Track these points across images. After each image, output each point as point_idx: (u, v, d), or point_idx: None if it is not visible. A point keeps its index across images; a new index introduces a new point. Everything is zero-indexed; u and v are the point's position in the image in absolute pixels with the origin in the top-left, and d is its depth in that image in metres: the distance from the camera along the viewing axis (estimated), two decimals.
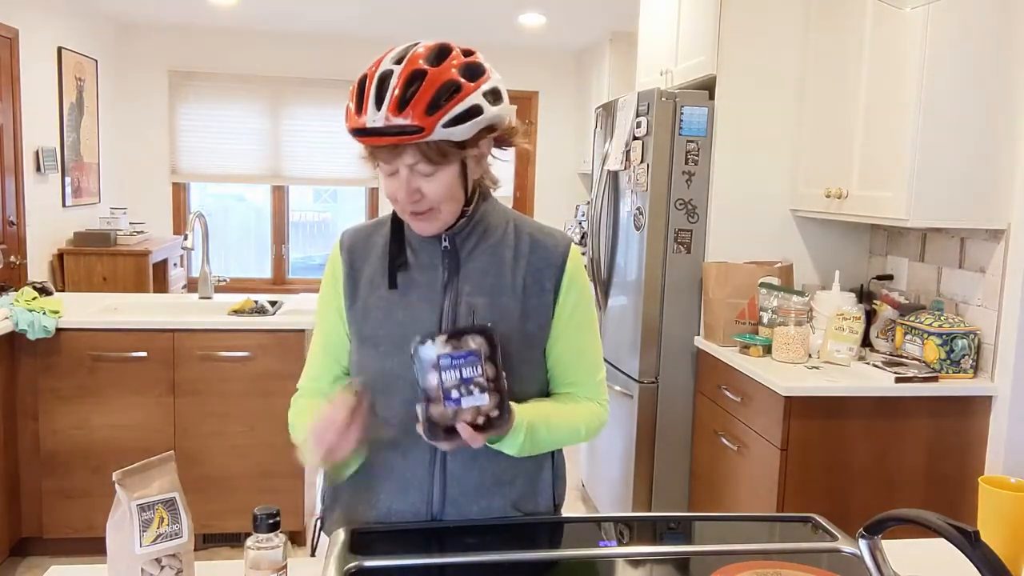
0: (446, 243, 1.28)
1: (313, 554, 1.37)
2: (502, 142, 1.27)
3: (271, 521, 1.02)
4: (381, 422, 1.28)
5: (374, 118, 1.13)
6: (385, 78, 1.13)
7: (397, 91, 1.12)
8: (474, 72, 1.17)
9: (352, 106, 1.16)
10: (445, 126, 1.13)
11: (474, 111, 1.15)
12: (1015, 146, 2.35)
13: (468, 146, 1.19)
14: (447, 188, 1.20)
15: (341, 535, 1.21)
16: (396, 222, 1.31)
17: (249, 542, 1.02)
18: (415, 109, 1.12)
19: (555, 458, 1.39)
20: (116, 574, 1.10)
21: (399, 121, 1.12)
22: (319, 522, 1.42)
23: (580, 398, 1.35)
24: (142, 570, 1.08)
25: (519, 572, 1.17)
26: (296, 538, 3.22)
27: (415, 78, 1.12)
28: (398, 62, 1.15)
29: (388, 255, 1.29)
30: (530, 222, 1.35)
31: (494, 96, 1.18)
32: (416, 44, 1.18)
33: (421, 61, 1.14)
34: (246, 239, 6.85)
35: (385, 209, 6.89)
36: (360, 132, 1.15)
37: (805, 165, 2.92)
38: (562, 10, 5.22)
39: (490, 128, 1.20)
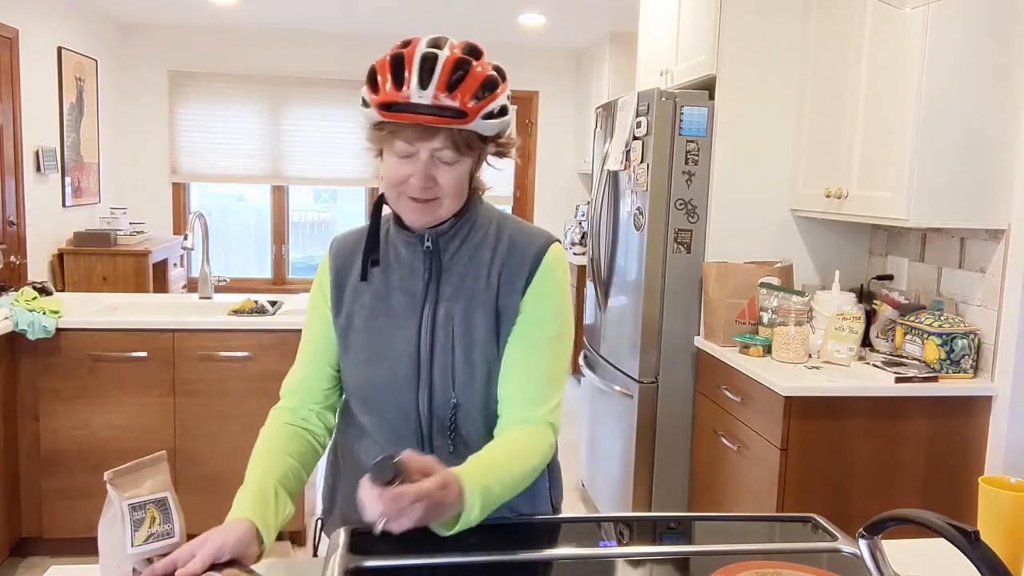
0: (428, 243, 1.25)
1: (315, 554, 1.37)
2: (502, 152, 1.27)
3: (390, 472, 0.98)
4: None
5: (420, 94, 1.12)
6: (429, 59, 1.13)
7: (445, 73, 1.12)
8: (502, 75, 1.19)
9: (386, 80, 1.14)
10: (483, 118, 1.15)
11: (503, 111, 1.19)
12: (1015, 146, 2.35)
13: (487, 143, 1.21)
14: (459, 181, 1.20)
15: (341, 535, 1.21)
16: (375, 219, 1.29)
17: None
18: (464, 94, 1.13)
19: (550, 462, 1.37)
20: (108, 574, 1.09)
21: (448, 102, 1.12)
22: (319, 523, 1.42)
23: (515, 426, 1.23)
24: (134, 570, 1.08)
25: (519, 572, 1.17)
26: (296, 538, 3.22)
27: (460, 66, 1.14)
28: (434, 46, 1.15)
29: (366, 244, 1.26)
30: (515, 223, 1.31)
31: (510, 103, 1.22)
32: (442, 36, 1.19)
33: (459, 51, 1.16)
34: (246, 239, 6.85)
35: (386, 210, 6.83)
36: (398, 106, 1.13)
37: (805, 165, 2.92)
38: (562, 10, 5.22)
39: (498, 134, 1.22)
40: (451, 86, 1.12)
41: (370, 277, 1.28)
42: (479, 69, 1.15)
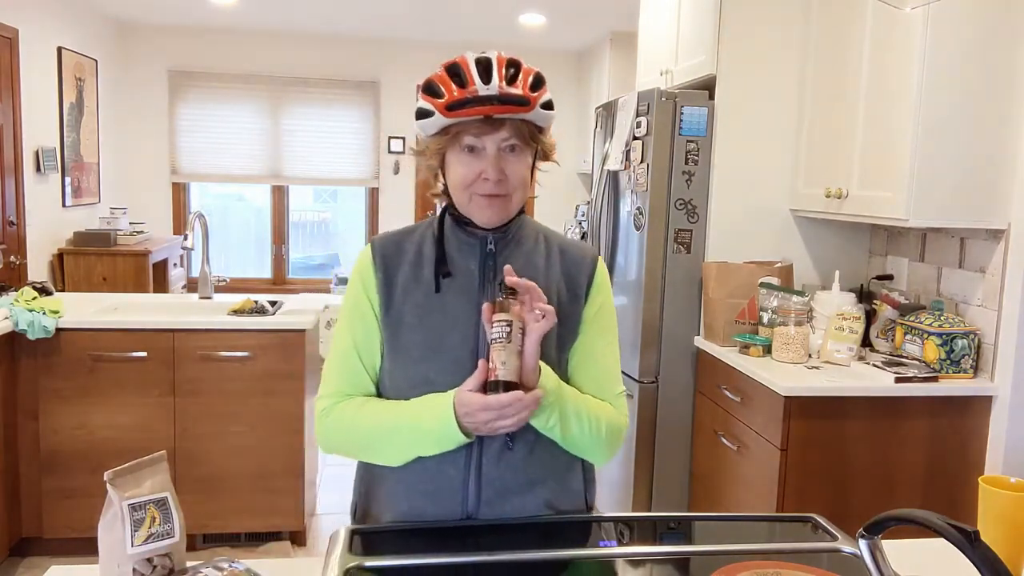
0: (491, 246, 1.31)
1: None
2: (546, 154, 1.34)
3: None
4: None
5: (486, 88, 1.20)
6: (483, 61, 1.22)
7: (502, 69, 1.21)
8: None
9: (448, 85, 1.21)
10: (542, 107, 1.24)
11: (552, 104, 1.28)
12: (1015, 146, 2.35)
13: (543, 137, 1.29)
14: (526, 174, 1.28)
15: (341, 535, 1.21)
16: (440, 231, 1.32)
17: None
18: (523, 84, 1.23)
19: (584, 461, 1.40)
20: (108, 574, 1.09)
21: (513, 91, 1.21)
22: (355, 510, 1.40)
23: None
24: (134, 570, 1.08)
25: (520, 572, 1.17)
26: (296, 538, 3.22)
27: (512, 63, 1.24)
28: (481, 55, 1.23)
29: (436, 257, 1.30)
30: (558, 235, 1.41)
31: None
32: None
33: (505, 55, 1.24)
34: (246, 239, 6.85)
35: (386, 210, 6.89)
36: (467, 102, 1.20)
37: (805, 165, 2.92)
38: (562, 10, 5.22)
39: (544, 132, 1.31)
40: (510, 79, 1.22)
41: (421, 277, 1.30)
42: (527, 66, 1.25)
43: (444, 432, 1.20)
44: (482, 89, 1.20)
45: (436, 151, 1.27)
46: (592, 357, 1.35)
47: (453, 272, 1.30)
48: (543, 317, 1.18)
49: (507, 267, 1.20)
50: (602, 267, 1.39)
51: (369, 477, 1.37)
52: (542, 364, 1.21)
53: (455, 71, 1.22)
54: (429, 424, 1.22)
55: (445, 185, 1.30)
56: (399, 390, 1.29)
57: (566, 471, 1.35)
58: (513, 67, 1.23)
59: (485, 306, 1.19)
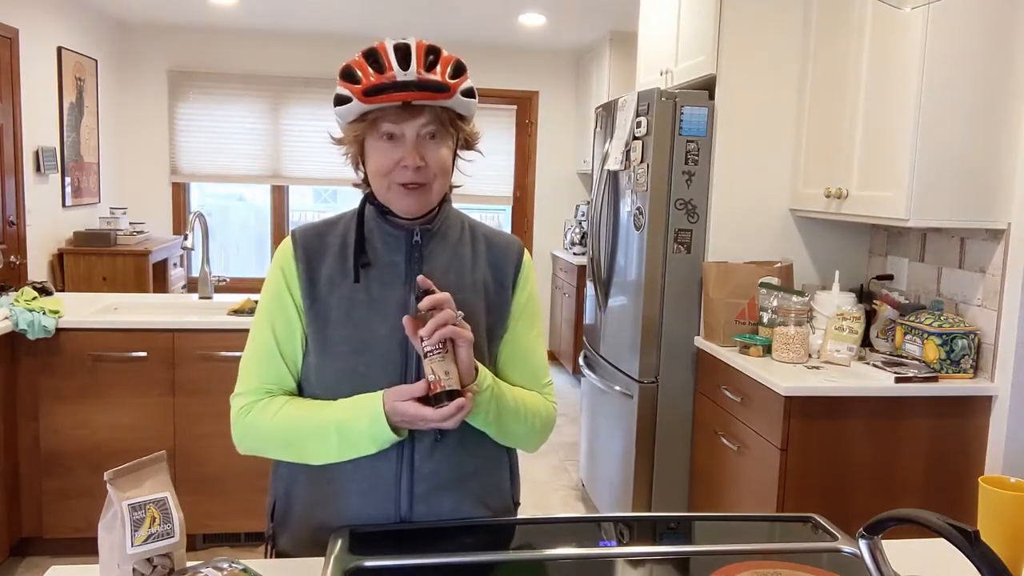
0: (417, 238, 1.28)
1: None
2: (468, 142, 1.32)
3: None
4: None
5: (404, 74, 1.17)
6: (402, 47, 1.19)
7: (421, 55, 1.19)
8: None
9: (366, 70, 1.19)
10: (462, 94, 1.22)
11: (473, 92, 1.27)
12: (1015, 146, 2.35)
13: (464, 125, 1.27)
14: (446, 160, 1.26)
15: (341, 535, 1.21)
16: (360, 220, 1.30)
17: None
18: (442, 70, 1.20)
19: (511, 456, 1.41)
20: (108, 574, 1.09)
21: (431, 78, 1.19)
22: (271, 541, 1.36)
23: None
24: (134, 570, 1.08)
25: (520, 572, 1.17)
26: None
27: (432, 50, 1.22)
28: (399, 44, 1.21)
29: (355, 247, 1.28)
30: (482, 225, 1.40)
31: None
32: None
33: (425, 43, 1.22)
34: (246, 239, 6.85)
35: None
36: (384, 87, 1.18)
37: (805, 165, 2.92)
38: (562, 10, 5.22)
39: (468, 121, 1.29)
40: (429, 65, 1.19)
41: (346, 269, 1.28)
42: (446, 54, 1.23)
43: (376, 433, 1.19)
44: (400, 75, 1.17)
45: (354, 138, 1.26)
46: (523, 351, 1.36)
47: (378, 264, 1.28)
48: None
49: (420, 277, 1.18)
50: (527, 257, 1.38)
51: (291, 476, 1.33)
52: (477, 363, 1.21)
53: (373, 57, 1.20)
54: (359, 426, 1.20)
55: (366, 174, 1.29)
56: (326, 385, 1.26)
57: (496, 464, 1.36)
58: (433, 54, 1.20)
59: (406, 320, 1.17)
